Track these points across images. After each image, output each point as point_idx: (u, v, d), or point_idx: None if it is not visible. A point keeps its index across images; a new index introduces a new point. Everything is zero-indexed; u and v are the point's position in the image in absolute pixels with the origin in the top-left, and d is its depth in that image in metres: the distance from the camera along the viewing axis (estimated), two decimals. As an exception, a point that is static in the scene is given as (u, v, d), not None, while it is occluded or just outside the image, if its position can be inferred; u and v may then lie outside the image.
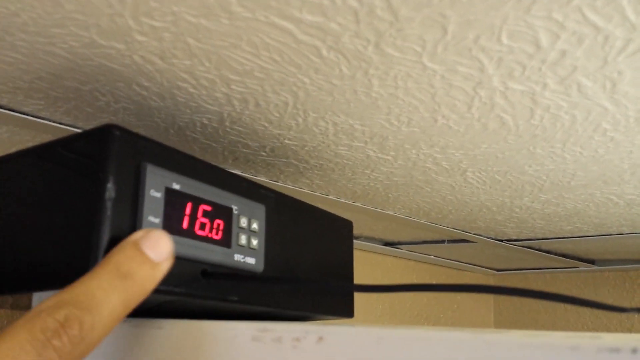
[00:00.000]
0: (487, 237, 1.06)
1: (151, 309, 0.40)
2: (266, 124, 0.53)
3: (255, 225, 0.44)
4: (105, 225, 0.33)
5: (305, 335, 0.31)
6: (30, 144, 0.56)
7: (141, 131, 0.54)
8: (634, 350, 0.21)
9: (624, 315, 1.41)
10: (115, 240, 0.33)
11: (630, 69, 0.40)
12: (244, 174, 0.68)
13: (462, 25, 0.35)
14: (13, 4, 0.34)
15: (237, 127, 0.53)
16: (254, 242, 0.44)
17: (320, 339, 0.30)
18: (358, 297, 0.96)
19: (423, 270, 1.39)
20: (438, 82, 0.43)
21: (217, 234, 0.40)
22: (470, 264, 1.45)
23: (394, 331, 0.28)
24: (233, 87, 0.45)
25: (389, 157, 0.61)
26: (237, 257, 0.42)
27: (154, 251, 0.32)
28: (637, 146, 0.55)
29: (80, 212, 0.34)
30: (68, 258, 0.34)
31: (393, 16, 0.35)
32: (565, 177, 0.66)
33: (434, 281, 1.42)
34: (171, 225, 0.37)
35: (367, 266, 1.23)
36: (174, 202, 0.37)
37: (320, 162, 0.63)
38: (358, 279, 1.13)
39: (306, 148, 0.59)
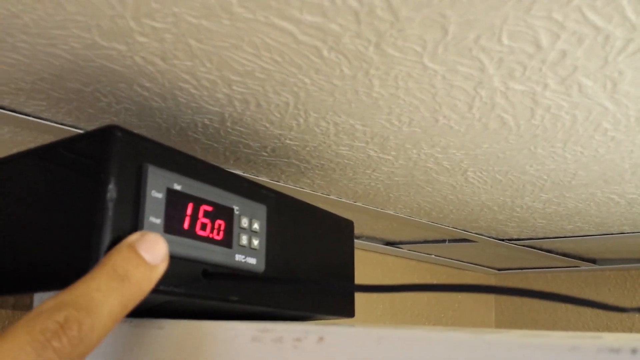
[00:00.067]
0: (488, 237, 1.06)
1: (152, 309, 0.40)
2: (267, 125, 0.53)
3: (256, 226, 0.44)
4: (107, 226, 0.33)
5: (306, 335, 0.31)
6: (32, 145, 0.56)
7: (143, 132, 0.54)
8: (634, 351, 0.21)
9: (624, 315, 1.41)
10: (116, 241, 0.33)
11: (630, 68, 0.40)
12: (245, 174, 0.68)
13: (462, 25, 0.35)
14: (14, 6, 0.34)
15: (238, 128, 0.54)
16: (255, 242, 0.44)
17: (321, 339, 0.30)
18: (359, 296, 0.96)
19: (424, 270, 1.39)
20: (439, 82, 0.43)
21: (218, 234, 0.40)
22: (471, 263, 1.45)
23: (394, 331, 0.28)
24: (234, 87, 0.45)
25: (390, 157, 0.61)
26: (238, 258, 0.42)
27: (150, 254, 0.32)
28: (638, 146, 0.55)
29: (81, 212, 0.34)
30: (69, 258, 0.34)
31: (393, 16, 0.35)
32: (566, 177, 0.66)
33: (434, 280, 1.42)
34: (172, 225, 0.37)
35: (368, 266, 1.23)
36: (175, 203, 0.37)
37: (322, 162, 0.63)
38: (359, 279, 1.13)
39: (307, 148, 0.59)
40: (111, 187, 0.34)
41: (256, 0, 0.33)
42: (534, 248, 1.16)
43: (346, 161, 0.63)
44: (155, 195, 0.36)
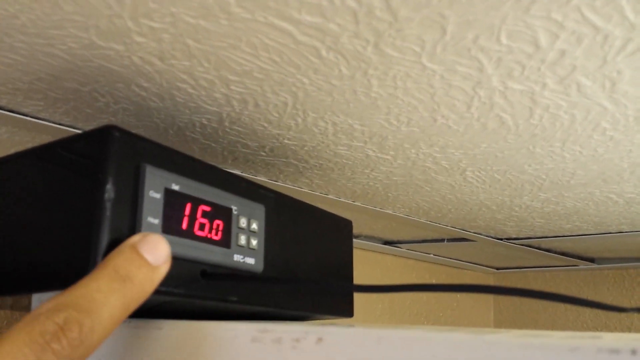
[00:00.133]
0: (486, 236, 1.06)
1: (151, 310, 0.40)
2: (265, 124, 0.53)
3: (254, 226, 0.44)
4: (105, 226, 0.33)
5: (305, 336, 0.31)
6: (29, 145, 0.56)
7: (141, 132, 0.54)
8: (634, 352, 0.21)
9: (623, 314, 1.41)
10: (114, 241, 0.33)
11: (629, 68, 0.40)
12: (243, 174, 0.68)
13: (461, 25, 0.35)
14: (12, 6, 0.34)
15: (236, 128, 0.53)
16: (254, 242, 0.44)
17: (320, 339, 0.30)
18: (358, 296, 0.96)
19: (423, 269, 1.39)
20: (437, 82, 0.43)
21: (216, 234, 0.40)
22: (470, 262, 1.45)
23: (393, 332, 0.28)
24: (232, 87, 0.45)
25: (388, 157, 0.61)
26: (237, 258, 0.42)
27: (152, 255, 0.32)
28: (637, 145, 0.55)
29: (79, 213, 0.34)
30: (67, 259, 0.34)
31: (392, 16, 0.35)
32: (565, 176, 0.66)
33: (433, 280, 1.42)
34: (170, 226, 0.37)
35: (366, 265, 1.23)
36: (173, 203, 0.37)
37: (320, 161, 0.63)
38: (358, 278, 1.13)
39: (305, 148, 0.59)
40: (109, 187, 0.34)
41: (254, 0, 0.33)
42: (533, 247, 1.16)
43: (345, 161, 0.63)
44: (153, 195, 0.36)
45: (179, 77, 0.44)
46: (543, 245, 1.16)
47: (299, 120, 0.51)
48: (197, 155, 0.61)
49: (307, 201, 0.53)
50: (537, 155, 0.59)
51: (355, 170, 0.67)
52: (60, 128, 0.53)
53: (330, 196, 0.78)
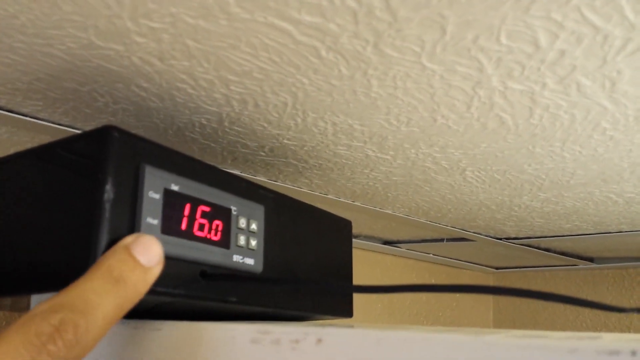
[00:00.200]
0: (486, 236, 1.06)
1: (150, 310, 0.40)
2: (265, 124, 0.53)
3: (254, 226, 0.44)
4: (104, 227, 0.33)
5: (305, 337, 0.31)
6: (29, 145, 0.56)
7: (140, 132, 0.54)
8: (634, 353, 0.21)
9: (622, 314, 1.41)
10: (113, 242, 0.33)
11: (629, 68, 0.40)
12: (243, 174, 0.68)
13: (460, 25, 0.35)
14: (11, 6, 0.34)
15: (236, 128, 0.53)
16: (253, 242, 0.44)
17: (319, 340, 0.30)
18: (357, 296, 0.96)
19: (422, 269, 1.39)
20: (437, 82, 0.43)
21: (216, 234, 0.40)
22: (469, 262, 1.45)
23: (393, 332, 0.28)
24: (232, 87, 0.45)
25: (388, 157, 0.61)
26: (236, 258, 0.42)
27: (145, 256, 0.32)
28: (637, 145, 0.55)
29: (78, 213, 0.34)
30: (67, 259, 0.34)
31: (392, 17, 0.34)
32: (565, 176, 0.66)
33: (433, 279, 1.42)
34: (170, 226, 0.37)
35: (366, 265, 1.23)
36: (172, 203, 0.37)
37: (320, 161, 0.63)
38: (357, 278, 1.13)
39: (305, 148, 0.59)
40: (108, 187, 0.34)
41: (254, 1, 0.33)
42: (532, 247, 1.16)
43: (344, 161, 0.63)
44: (153, 195, 0.36)
45: (179, 77, 0.43)
46: (543, 245, 1.16)
47: (299, 120, 0.51)
48: (197, 155, 0.61)
49: (307, 201, 0.53)
50: (536, 155, 0.59)
51: (354, 170, 0.67)
52: (59, 128, 0.53)
53: (329, 196, 0.78)
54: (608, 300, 1.44)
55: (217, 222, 0.40)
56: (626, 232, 0.96)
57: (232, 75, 0.43)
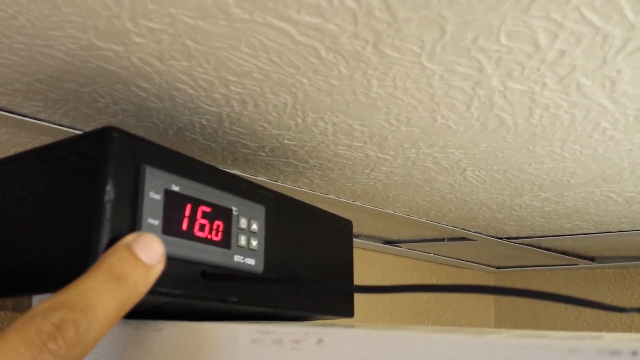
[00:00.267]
0: (487, 235, 1.06)
1: (151, 311, 0.40)
2: (265, 125, 0.53)
3: (254, 226, 0.44)
4: (105, 228, 0.33)
5: (305, 337, 0.31)
6: (29, 146, 0.56)
7: (140, 132, 0.54)
8: (634, 353, 0.21)
9: (623, 313, 1.41)
10: (114, 243, 0.33)
11: (629, 67, 0.40)
12: (243, 174, 0.68)
13: (460, 25, 0.35)
14: (10, 7, 0.34)
15: (236, 128, 0.53)
16: (254, 242, 0.44)
17: (320, 340, 0.30)
18: (358, 295, 0.96)
19: (423, 268, 1.39)
20: (437, 82, 0.43)
21: (216, 235, 0.40)
22: (470, 261, 1.45)
23: (394, 333, 0.28)
24: (232, 88, 0.45)
25: (388, 157, 0.61)
26: (237, 258, 0.42)
27: (146, 254, 0.32)
28: (637, 144, 0.55)
29: (79, 214, 0.34)
30: (67, 260, 0.34)
31: (391, 17, 0.35)
32: (565, 176, 0.66)
33: (433, 279, 1.42)
34: (170, 227, 0.37)
35: (367, 264, 1.23)
36: (173, 204, 0.37)
37: (320, 161, 0.63)
38: (358, 278, 1.13)
39: (305, 148, 0.59)
40: (109, 188, 0.34)
41: (253, 1, 0.33)
42: (533, 246, 1.16)
43: (345, 161, 0.63)
44: (153, 196, 0.36)
45: (179, 77, 0.44)
46: (543, 245, 1.16)
47: (299, 120, 0.51)
48: (197, 155, 0.61)
49: (307, 201, 0.53)
50: (537, 154, 0.59)
51: (355, 170, 0.67)
52: (60, 129, 0.53)
53: (330, 196, 0.78)
54: (609, 299, 1.44)
55: (217, 222, 0.40)
56: (627, 231, 0.96)
57: (231, 75, 0.43)
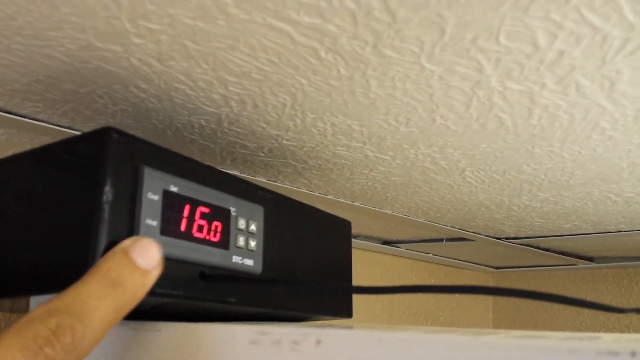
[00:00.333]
0: (485, 236, 1.06)
1: (149, 311, 0.40)
2: (264, 125, 0.53)
3: (253, 227, 0.44)
4: (103, 228, 0.33)
5: (304, 337, 0.31)
6: (28, 146, 0.56)
7: (139, 133, 0.54)
8: (633, 354, 0.21)
9: (622, 314, 1.41)
10: (112, 244, 0.33)
11: (628, 68, 0.40)
12: (242, 175, 0.68)
13: (459, 26, 0.35)
14: (9, 8, 0.34)
15: (235, 128, 0.53)
16: (252, 243, 0.44)
17: (319, 341, 0.30)
18: (357, 296, 0.97)
19: (422, 269, 1.39)
20: (436, 82, 0.43)
21: (215, 235, 0.40)
22: (469, 262, 1.45)
23: (392, 333, 0.28)
24: (231, 88, 0.45)
25: (387, 157, 0.61)
26: (236, 259, 0.42)
27: (143, 259, 0.32)
28: (636, 145, 0.55)
29: (78, 214, 0.34)
30: (66, 261, 0.34)
31: (391, 17, 0.34)
32: (564, 176, 0.66)
33: (432, 279, 1.42)
34: (169, 227, 0.37)
35: (366, 265, 1.23)
36: (171, 205, 0.37)
37: (319, 162, 0.63)
38: (357, 278, 1.13)
39: (304, 148, 0.59)
40: (107, 189, 0.34)
41: (252, 1, 0.33)
42: (532, 247, 1.16)
43: (343, 161, 0.63)
44: (152, 197, 0.36)
45: (177, 78, 0.43)
46: (542, 245, 1.16)
47: (298, 121, 0.51)
48: (196, 156, 0.61)
49: (306, 202, 0.53)
50: (536, 155, 0.59)
51: (354, 171, 0.67)
52: (58, 129, 0.53)
53: (329, 196, 0.78)
54: (607, 299, 1.44)
55: (216, 223, 0.40)
56: (625, 231, 0.96)
57: (230, 76, 0.43)
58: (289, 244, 0.49)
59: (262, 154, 0.61)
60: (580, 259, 1.31)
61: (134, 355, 0.38)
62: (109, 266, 0.31)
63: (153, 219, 0.36)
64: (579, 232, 0.99)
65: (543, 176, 0.67)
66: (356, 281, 0.66)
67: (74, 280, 0.30)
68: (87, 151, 0.35)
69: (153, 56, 0.40)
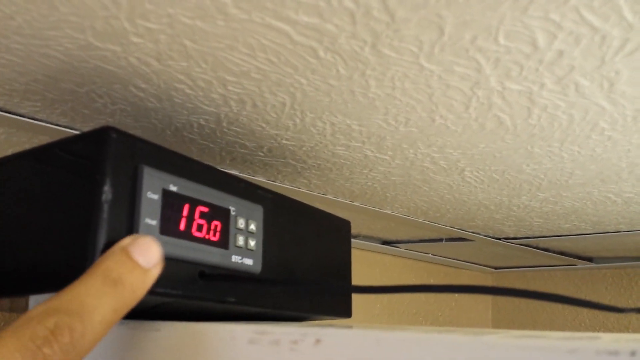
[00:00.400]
0: (485, 236, 1.06)
1: (148, 311, 0.39)
2: (263, 125, 0.53)
3: (252, 226, 0.44)
4: (102, 228, 0.33)
5: (303, 337, 0.31)
6: (27, 146, 0.56)
7: (138, 132, 0.54)
8: (633, 353, 0.21)
9: (621, 314, 1.41)
10: (112, 243, 0.33)
11: (627, 68, 0.40)
12: (241, 174, 0.68)
13: (458, 26, 0.35)
14: (8, 7, 0.34)
15: (234, 128, 0.53)
16: (252, 243, 0.44)
17: (318, 341, 0.30)
18: (356, 295, 0.96)
19: (421, 269, 1.39)
20: (435, 82, 0.43)
21: (214, 235, 0.40)
22: (468, 262, 1.45)
23: (392, 333, 0.28)
24: (230, 88, 0.45)
25: (386, 157, 0.61)
26: (235, 259, 0.42)
27: (143, 257, 0.32)
28: (635, 145, 0.55)
29: (77, 214, 0.34)
30: (65, 260, 0.34)
31: (389, 17, 0.34)
32: (563, 176, 0.66)
33: (432, 279, 1.42)
34: (168, 227, 0.37)
35: (365, 265, 1.23)
36: (171, 204, 0.37)
37: (318, 162, 0.63)
38: (356, 278, 1.13)
39: (304, 148, 0.59)
40: (106, 188, 0.34)
41: (251, 1, 0.33)
42: (531, 247, 1.16)
43: (343, 161, 0.63)
44: (151, 196, 0.36)
45: (177, 77, 0.43)
46: (541, 245, 1.16)
47: (297, 120, 0.51)
48: (195, 155, 0.61)
49: (306, 201, 0.53)
50: (535, 155, 0.59)
51: (353, 171, 0.66)
52: (57, 129, 0.53)
53: (328, 196, 0.78)
54: (607, 299, 1.44)
55: (215, 222, 0.40)
56: (625, 231, 0.96)
57: (229, 75, 0.43)
58: (288, 243, 0.49)
59: (261, 154, 0.61)
60: (579, 259, 1.31)
61: (133, 354, 0.38)
62: (109, 265, 0.31)
63: (152, 219, 0.36)
64: (578, 232, 0.99)
65: (542, 176, 0.67)
66: (355, 281, 0.66)
67: (73, 280, 0.30)
68: (86, 150, 0.35)
69: (152, 56, 0.40)
